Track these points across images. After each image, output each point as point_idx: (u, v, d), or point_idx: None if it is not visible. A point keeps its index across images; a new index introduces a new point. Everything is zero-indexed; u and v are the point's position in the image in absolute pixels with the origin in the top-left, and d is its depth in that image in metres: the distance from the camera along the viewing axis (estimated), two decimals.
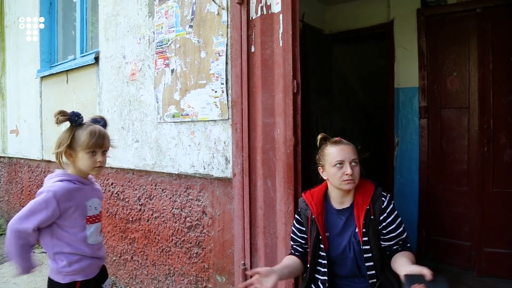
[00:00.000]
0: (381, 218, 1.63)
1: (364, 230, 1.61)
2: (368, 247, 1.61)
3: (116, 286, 3.18)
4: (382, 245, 1.64)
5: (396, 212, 1.65)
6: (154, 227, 2.83)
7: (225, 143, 2.31)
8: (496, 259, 2.91)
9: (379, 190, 1.67)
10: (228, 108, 2.27)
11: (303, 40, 3.44)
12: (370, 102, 5.03)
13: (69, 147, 1.61)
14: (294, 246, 1.78)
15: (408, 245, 1.65)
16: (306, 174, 2.05)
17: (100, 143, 1.63)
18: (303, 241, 1.75)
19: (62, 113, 1.58)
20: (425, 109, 3.35)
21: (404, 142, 3.50)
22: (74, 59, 3.85)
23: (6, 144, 4.99)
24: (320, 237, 1.67)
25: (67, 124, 1.63)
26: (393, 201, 1.67)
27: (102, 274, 1.79)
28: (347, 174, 1.59)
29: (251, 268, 2.17)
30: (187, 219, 2.58)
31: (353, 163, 1.62)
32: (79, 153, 1.61)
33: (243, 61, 2.15)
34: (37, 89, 4.24)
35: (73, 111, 1.61)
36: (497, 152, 2.94)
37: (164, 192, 2.74)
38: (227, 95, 2.28)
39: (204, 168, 2.43)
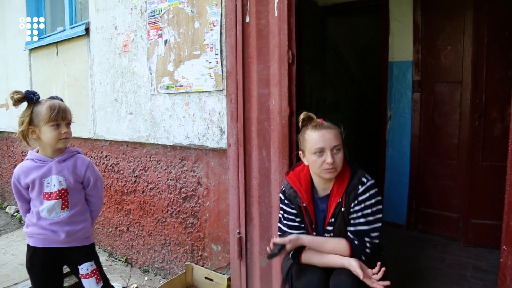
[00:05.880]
0: (352, 205, 1.53)
1: (331, 220, 1.57)
2: (329, 235, 1.59)
3: (112, 257, 3.23)
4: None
5: (370, 202, 1.52)
6: (150, 199, 2.85)
7: (219, 114, 2.31)
8: (482, 230, 3.00)
9: (357, 178, 1.54)
10: (222, 79, 2.26)
11: (298, 11, 3.37)
12: (363, 75, 5.01)
13: (31, 123, 1.65)
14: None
15: (357, 243, 1.51)
16: None
17: (62, 115, 1.67)
18: (303, 229, 1.65)
19: (16, 92, 1.62)
20: (418, 83, 3.36)
21: (397, 116, 3.53)
22: (64, 31, 3.75)
23: None
24: (313, 226, 1.63)
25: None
26: (373, 190, 1.53)
27: (74, 255, 1.79)
28: (327, 163, 1.48)
29: (246, 236, 2.22)
30: (182, 190, 2.61)
31: (335, 150, 1.50)
32: (42, 127, 1.64)
33: (237, 31, 2.12)
34: (26, 61, 4.14)
35: (27, 90, 1.64)
36: (487, 127, 2.97)
37: (159, 163, 2.75)
38: (222, 65, 2.26)
39: (199, 139, 2.43)
